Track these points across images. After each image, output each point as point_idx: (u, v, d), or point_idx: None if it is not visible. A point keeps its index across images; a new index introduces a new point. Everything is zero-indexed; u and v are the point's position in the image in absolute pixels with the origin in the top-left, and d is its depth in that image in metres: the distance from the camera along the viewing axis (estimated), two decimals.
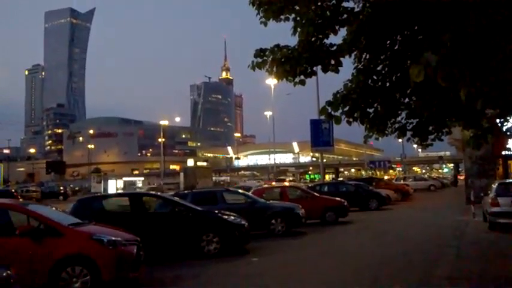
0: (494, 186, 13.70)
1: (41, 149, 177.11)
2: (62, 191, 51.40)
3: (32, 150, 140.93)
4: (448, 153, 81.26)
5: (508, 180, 16.39)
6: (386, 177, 62.58)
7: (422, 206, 24.73)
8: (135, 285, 7.70)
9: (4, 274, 4.48)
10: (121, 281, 7.33)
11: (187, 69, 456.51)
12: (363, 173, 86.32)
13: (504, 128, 8.68)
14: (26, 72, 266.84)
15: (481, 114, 7.07)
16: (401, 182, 41.64)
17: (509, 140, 22.16)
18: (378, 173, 72.52)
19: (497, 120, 8.37)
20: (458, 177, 56.83)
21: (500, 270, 7.99)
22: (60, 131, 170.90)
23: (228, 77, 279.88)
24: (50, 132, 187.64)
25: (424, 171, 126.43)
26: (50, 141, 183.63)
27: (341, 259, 9.82)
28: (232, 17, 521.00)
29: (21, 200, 25.76)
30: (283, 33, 6.74)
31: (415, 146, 12.87)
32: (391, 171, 74.06)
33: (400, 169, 78.45)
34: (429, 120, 7.77)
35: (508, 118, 8.56)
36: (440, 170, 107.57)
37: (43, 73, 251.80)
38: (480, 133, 7.85)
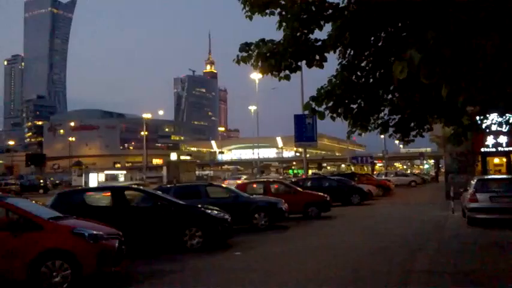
0: (473, 182, 13.97)
1: (21, 142, 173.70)
2: (42, 184, 50.55)
3: (11, 143, 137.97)
4: (429, 149, 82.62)
5: (486, 177, 16.73)
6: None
7: (403, 201, 25.10)
8: (116, 279, 7.64)
9: None
10: (102, 275, 7.26)
11: (171, 62, 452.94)
12: (343, 165, 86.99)
13: (484, 125, 8.86)
14: (5, 63, 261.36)
15: (462, 111, 7.20)
16: (383, 177, 42.15)
17: (488, 137, 22.68)
18: (352, 168, 73.01)
19: (477, 118, 8.54)
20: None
21: (478, 264, 8.18)
22: (40, 123, 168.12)
23: (213, 70, 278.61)
24: (30, 124, 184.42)
25: (405, 167, 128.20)
26: (29, 134, 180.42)
27: (323, 253, 9.91)
28: (217, 10, 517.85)
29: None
30: (268, 27, 6.73)
31: (396, 142, 13.05)
32: (364, 167, 74.89)
33: (381, 164, 79.42)
34: (411, 117, 7.90)
35: (488, 115, 8.75)
36: (421, 166, 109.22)
37: (23, 64, 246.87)
38: (461, 130, 8.00)
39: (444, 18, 3.67)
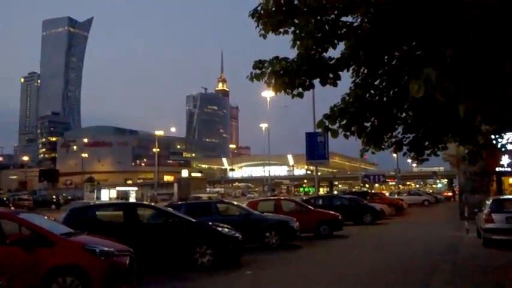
0: (488, 202, 13.70)
1: (35, 157, 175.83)
2: (54, 200, 50.92)
3: (26, 158, 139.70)
4: (442, 168, 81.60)
5: (502, 197, 16.41)
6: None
7: (417, 221, 24.71)
8: None
9: None
10: None
11: (184, 80, 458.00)
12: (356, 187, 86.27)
13: (499, 145, 8.73)
14: (22, 80, 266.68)
15: (477, 130, 7.11)
16: (396, 196, 41.65)
17: (503, 156, 22.32)
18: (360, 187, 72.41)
19: (492, 137, 8.42)
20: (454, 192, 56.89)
21: (494, 286, 7.95)
22: (54, 139, 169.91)
23: (225, 88, 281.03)
24: (44, 140, 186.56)
25: (417, 186, 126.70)
26: (43, 149, 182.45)
27: (336, 273, 9.73)
28: (231, 29, 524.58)
29: (12, 208, 25.49)
30: (282, 45, 6.78)
31: (409, 160, 12.90)
32: (376, 185, 74.18)
33: (393, 183, 78.58)
34: (425, 136, 7.81)
35: (503, 135, 8.62)
36: (434, 186, 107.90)
37: (39, 81, 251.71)
38: (476, 149, 7.88)
39: (462, 37, 3.65)
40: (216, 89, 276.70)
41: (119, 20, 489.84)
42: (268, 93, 45.73)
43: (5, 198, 34.60)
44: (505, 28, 3.40)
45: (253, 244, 13.22)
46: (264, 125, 70.23)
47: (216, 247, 10.32)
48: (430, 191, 79.02)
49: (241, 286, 8.63)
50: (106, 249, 7.24)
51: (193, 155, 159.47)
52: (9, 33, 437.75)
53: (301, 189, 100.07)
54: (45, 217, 9.14)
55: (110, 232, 8.80)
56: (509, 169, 22.98)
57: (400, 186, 75.12)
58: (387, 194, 43.58)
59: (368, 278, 9.05)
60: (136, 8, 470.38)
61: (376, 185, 75.79)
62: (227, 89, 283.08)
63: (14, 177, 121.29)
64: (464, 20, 3.76)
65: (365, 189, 50.06)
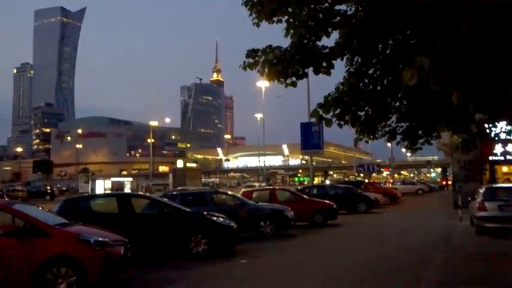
0: (481, 191, 13.82)
1: (29, 148, 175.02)
2: (48, 191, 50.73)
3: (19, 149, 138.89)
4: (436, 157, 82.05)
5: (495, 185, 16.55)
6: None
7: (411, 210, 24.90)
8: (122, 286, 7.60)
9: None
10: (108, 283, 7.23)
11: (178, 70, 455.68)
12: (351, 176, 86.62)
13: (492, 134, 8.78)
14: (15, 71, 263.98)
15: (471, 119, 7.13)
16: (390, 185, 41.91)
17: (497, 145, 22.48)
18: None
19: (486, 126, 8.46)
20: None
21: (488, 273, 8.05)
22: (48, 130, 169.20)
23: (219, 78, 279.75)
24: (37, 131, 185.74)
25: (412, 175, 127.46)
26: (37, 141, 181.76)
27: (330, 262, 9.81)
28: (224, 18, 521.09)
29: (6, 199, 25.40)
30: (276, 34, 6.73)
31: (403, 150, 12.97)
32: (373, 174, 74.60)
33: (388, 172, 79.02)
34: (419, 124, 7.84)
35: (497, 124, 8.67)
36: (428, 174, 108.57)
37: (32, 72, 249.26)
38: (469, 138, 7.93)
39: (455, 26, 3.63)
40: (211, 79, 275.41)
41: (112, 10, 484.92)
42: (263, 83, 45.65)
43: None
44: (499, 19, 3.39)
45: (248, 233, 13.28)
46: (259, 115, 70.28)
47: (210, 236, 10.36)
48: (423, 179, 79.44)
49: (236, 275, 8.67)
50: (100, 239, 7.25)
51: (188, 145, 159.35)
52: (0, 24, 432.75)
53: (296, 178, 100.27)
54: (40, 208, 9.11)
55: (105, 222, 8.80)
56: (502, 158, 23.17)
57: (395, 175, 75.58)
58: (389, 184, 43.60)
59: (362, 266, 9.13)
60: None
61: (374, 174, 76.07)
62: (222, 79, 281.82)
63: (8, 168, 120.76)
64: (458, 10, 3.75)
65: (359, 179, 50.26)
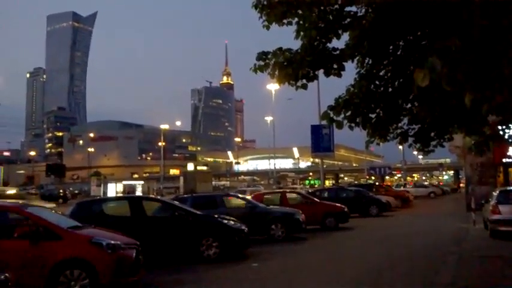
0: (495, 193, 13.63)
1: (41, 152, 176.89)
2: (61, 194, 51.18)
3: (32, 153, 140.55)
4: (448, 160, 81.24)
5: (508, 188, 16.30)
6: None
7: (423, 213, 24.65)
8: None
9: (2, 277, 4.43)
10: (120, 285, 7.26)
11: (189, 74, 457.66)
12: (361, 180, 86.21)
13: (506, 135, 8.65)
14: (28, 75, 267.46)
15: (484, 120, 7.04)
16: (402, 188, 41.57)
17: (510, 147, 22.17)
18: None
19: (499, 128, 8.34)
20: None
21: (501, 277, 7.93)
22: (60, 134, 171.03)
23: (229, 81, 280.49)
24: (50, 135, 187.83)
25: (424, 177, 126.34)
26: (50, 144, 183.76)
27: (342, 265, 9.74)
28: (235, 21, 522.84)
29: (21, 202, 25.65)
30: (285, 37, 6.72)
31: (415, 152, 12.84)
32: (387, 177, 74.21)
33: (400, 175, 78.44)
34: (431, 126, 7.75)
35: (510, 125, 8.54)
36: (440, 177, 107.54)
37: (44, 76, 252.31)
38: (482, 140, 7.82)
39: (468, 26, 3.60)
40: (221, 82, 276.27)
41: (123, 14, 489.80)
42: (273, 86, 45.66)
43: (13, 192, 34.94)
44: (509, 19, 3.35)
45: (259, 236, 13.25)
46: (269, 118, 70.24)
47: (222, 239, 10.36)
48: (436, 182, 78.65)
49: (248, 278, 8.66)
50: (113, 242, 7.29)
51: (199, 148, 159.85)
52: (14, 29, 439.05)
53: (307, 181, 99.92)
54: (53, 211, 9.20)
55: (117, 225, 8.85)
56: None
57: (408, 178, 74.90)
58: (406, 187, 43.10)
59: (374, 270, 9.05)
60: (139, 3, 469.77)
61: (387, 177, 75.55)
62: (232, 82, 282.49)
63: (22, 171, 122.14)
64: (469, 10, 3.71)
65: (371, 182, 50.08)
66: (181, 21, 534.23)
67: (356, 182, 72.81)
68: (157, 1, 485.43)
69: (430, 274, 8.30)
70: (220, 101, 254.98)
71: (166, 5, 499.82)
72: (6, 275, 4.48)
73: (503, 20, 3.45)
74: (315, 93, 29.36)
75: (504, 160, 22.95)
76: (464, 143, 18.00)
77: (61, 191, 53.90)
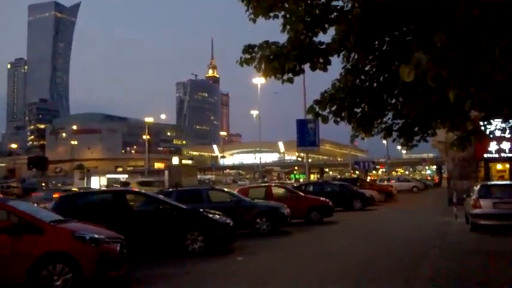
0: (476, 188, 13.87)
1: (23, 145, 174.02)
2: (43, 188, 50.51)
3: (14, 146, 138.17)
4: (431, 155, 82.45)
5: (489, 183, 16.63)
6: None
7: (406, 207, 24.99)
8: (117, 283, 7.58)
9: None
10: (103, 280, 7.20)
11: (174, 67, 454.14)
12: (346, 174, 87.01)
13: (487, 131, 8.80)
14: (9, 66, 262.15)
15: (466, 116, 7.14)
16: (385, 182, 42.00)
17: (491, 142, 22.58)
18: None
19: (481, 123, 8.48)
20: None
21: (482, 271, 8.09)
22: (42, 126, 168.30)
23: (215, 75, 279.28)
24: (32, 127, 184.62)
25: (407, 172, 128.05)
26: (32, 137, 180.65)
27: (326, 259, 9.83)
28: (221, 14, 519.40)
29: (1, 196, 25.27)
30: (272, 31, 6.69)
31: (398, 147, 12.99)
32: (373, 172, 75.25)
33: (384, 170, 79.35)
34: (415, 121, 7.83)
35: (491, 121, 8.69)
36: (423, 172, 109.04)
37: (26, 67, 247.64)
38: (464, 135, 7.94)
39: (452, 21, 3.63)
40: (207, 75, 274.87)
41: (107, 5, 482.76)
42: (259, 80, 45.56)
43: None
44: (494, 16, 3.38)
45: (245, 230, 13.27)
46: (255, 112, 70.25)
47: (207, 233, 10.34)
48: (419, 177, 79.83)
49: (232, 272, 8.67)
50: (96, 236, 7.22)
51: (184, 142, 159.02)
52: None
53: (292, 175, 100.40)
54: (35, 204, 9.07)
55: (100, 219, 8.76)
56: (496, 155, 23.28)
57: (393, 173, 75.78)
58: (390, 182, 43.52)
59: (357, 263, 9.15)
60: None
61: (374, 171, 76.42)
62: (217, 76, 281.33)
63: (2, 164, 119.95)
64: (454, 6, 3.74)
65: (355, 176, 50.64)
66: (167, 13, 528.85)
67: (339, 176, 73.45)
68: None
69: (412, 268, 8.43)
70: (206, 95, 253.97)
71: None
72: None
73: (488, 16, 3.48)
74: (301, 87, 29.48)
75: (485, 155, 23.35)
76: (447, 138, 18.27)
77: (43, 184, 53.20)
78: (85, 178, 54.50)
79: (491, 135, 9.56)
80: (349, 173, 74.13)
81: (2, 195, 26.78)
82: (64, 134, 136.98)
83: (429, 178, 74.49)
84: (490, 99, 3.93)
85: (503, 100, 5.38)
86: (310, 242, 12.97)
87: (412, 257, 9.67)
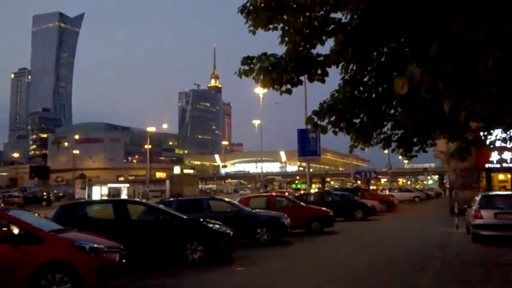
0: (477, 198, 13.83)
1: (25, 154, 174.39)
2: (45, 197, 50.53)
3: (16, 155, 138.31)
4: (433, 165, 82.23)
5: (491, 193, 16.59)
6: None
7: (407, 217, 24.88)
8: None
9: None
10: None
11: (176, 76, 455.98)
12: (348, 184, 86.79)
13: (488, 141, 8.82)
14: (12, 76, 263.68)
15: (465, 127, 7.17)
16: (386, 192, 41.91)
17: (493, 153, 22.57)
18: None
19: (481, 133, 8.50)
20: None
21: (484, 281, 8.06)
22: (45, 135, 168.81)
23: (217, 85, 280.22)
24: (34, 136, 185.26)
25: (409, 182, 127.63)
26: (34, 146, 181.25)
27: (326, 269, 9.79)
28: (223, 25, 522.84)
29: (2, 205, 25.30)
30: (274, 40, 6.76)
31: (400, 157, 13.00)
32: (374, 181, 75.12)
33: (385, 180, 79.16)
34: (414, 132, 7.87)
35: (492, 131, 8.71)
36: (425, 182, 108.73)
37: (29, 77, 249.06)
38: (464, 145, 7.97)
39: (446, 34, 3.67)
40: (209, 85, 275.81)
41: (110, 16, 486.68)
42: (260, 90, 45.67)
43: None
44: (487, 28, 3.43)
45: (245, 240, 13.24)
46: (256, 122, 70.26)
47: (207, 243, 10.32)
48: (421, 187, 79.55)
49: (232, 282, 8.65)
50: (96, 245, 7.22)
51: (186, 151, 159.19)
52: None
53: (294, 185, 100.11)
54: (35, 214, 9.08)
55: (100, 229, 8.77)
56: (498, 165, 23.26)
57: (395, 183, 75.57)
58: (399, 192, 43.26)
59: (357, 274, 9.12)
60: (128, 4, 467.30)
61: (373, 181, 76.24)
62: (220, 86, 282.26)
63: (4, 174, 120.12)
64: (450, 16, 3.80)
65: (357, 186, 50.52)
66: (170, 24, 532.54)
67: (337, 186, 73.08)
68: (147, 4, 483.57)
69: (412, 278, 8.39)
70: (208, 104, 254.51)
71: (155, 7, 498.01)
72: None
73: (480, 30, 3.53)
74: (303, 97, 29.53)
75: (487, 165, 23.34)
76: (448, 148, 18.28)
77: (44, 193, 53.22)
78: (86, 188, 54.52)
79: (492, 146, 9.57)
80: (350, 183, 73.92)
81: (3, 205, 26.80)
82: (66, 144, 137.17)
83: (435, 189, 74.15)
84: (486, 111, 3.96)
85: (503, 110, 5.41)
86: (311, 252, 12.92)
87: (412, 267, 9.64)
